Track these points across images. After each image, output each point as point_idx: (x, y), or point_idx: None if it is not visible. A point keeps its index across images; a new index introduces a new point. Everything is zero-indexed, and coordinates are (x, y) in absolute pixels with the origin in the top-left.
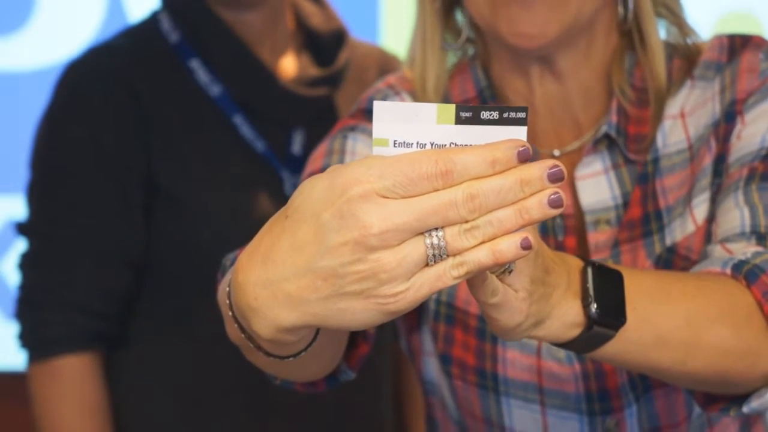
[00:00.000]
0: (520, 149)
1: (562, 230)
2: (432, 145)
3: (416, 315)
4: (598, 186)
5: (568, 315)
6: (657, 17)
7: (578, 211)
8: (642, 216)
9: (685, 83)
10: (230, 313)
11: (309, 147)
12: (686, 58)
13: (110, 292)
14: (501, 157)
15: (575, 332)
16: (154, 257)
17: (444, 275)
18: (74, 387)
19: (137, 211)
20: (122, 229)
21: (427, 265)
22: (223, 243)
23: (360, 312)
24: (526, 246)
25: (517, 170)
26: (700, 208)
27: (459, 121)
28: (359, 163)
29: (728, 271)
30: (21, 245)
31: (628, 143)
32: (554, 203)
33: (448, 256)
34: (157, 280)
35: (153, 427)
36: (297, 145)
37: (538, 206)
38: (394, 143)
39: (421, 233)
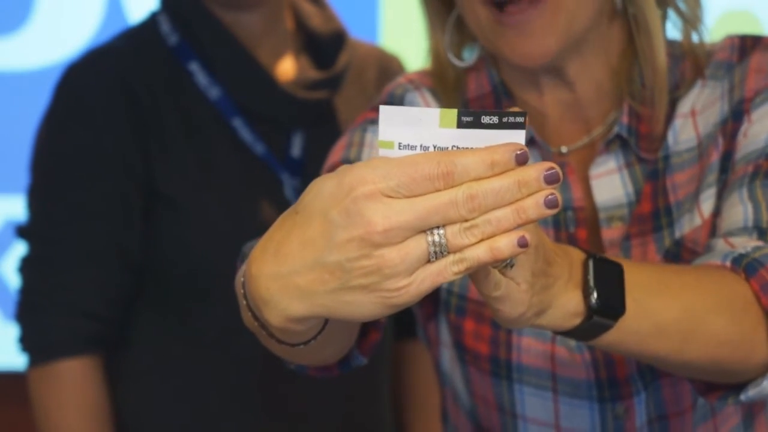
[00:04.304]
0: (518, 152)
1: (574, 223)
2: (435, 147)
3: (432, 304)
4: (612, 184)
5: (569, 305)
6: (662, 9)
7: (590, 206)
8: (652, 211)
9: (696, 83)
10: (244, 302)
11: (308, 150)
12: (696, 58)
13: (110, 295)
14: (500, 160)
15: (576, 321)
16: (153, 260)
17: (445, 271)
18: (75, 390)
19: (136, 214)
20: (122, 233)
21: (428, 261)
22: (223, 245)
23: (365, 305)
24: (522, 244)
25: (515, 172)
26: (707, 203)
27: (461, 125)
28: (365, 164)
29: (728, 264)
30: (21, 248)
31: (640, 142)
32: (550, 204)
33: (448, 253)
34: (157, 282)
35: (154, 430)
36: (296, 147)
37: (534, 206)
38: (399, 145)
39: (423, 231)
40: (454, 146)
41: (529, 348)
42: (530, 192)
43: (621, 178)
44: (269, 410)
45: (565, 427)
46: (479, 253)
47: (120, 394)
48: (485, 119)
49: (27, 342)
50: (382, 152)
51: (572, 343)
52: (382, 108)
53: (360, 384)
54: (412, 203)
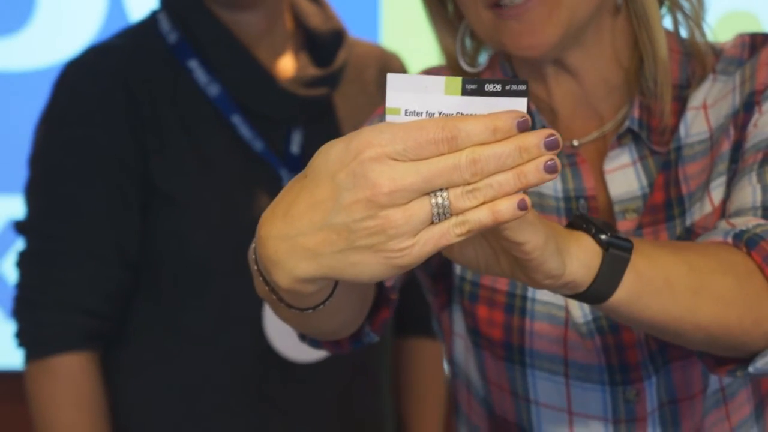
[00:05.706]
0: (520, 119)
1: (586, 211)
2: (440, 114)
3: (446, 294)
4: (626, 177)
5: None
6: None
7: (603, 196)
8: (665, 201)
9: (708, 77)
10: (255, 267)
11: (307, 147)
12: (702, 55)
13: (107, 290)
14: (502, 126)
15: (594, 262)
16: (151, 256)
17: (447, 233)
18: (71, 385)
19: (134, 211)
20: (119, 229)
21: (432, 223)
22: (221, 242)
23: (370, 265)
24: (522, 207)
25: (517, 138)
26: (717, 191)
27: (465, 92)
28: (372, 129)
29: (729, 239)
30: (20, 244)
31: (652, 136)
32: (550, 169)
33: (451, 215)
34: (154, 278)
35: (150, 425)
36: (295, 144)
37: (535, 171)
38: (406, 112)
39: (427, 194)
40: (458, 113)
41: (541, 333)
42: (531, 157)
43: (635, 172)
44: (266, 405)
45: (577, 411)
46: (481, 215)
47: (116, 389)
48: (489, 87)
49: (24, 337)
50: (389, 118)
51: (583, 329)
52: (390, 75)
53: (359, 380)
54: (417, 166)
